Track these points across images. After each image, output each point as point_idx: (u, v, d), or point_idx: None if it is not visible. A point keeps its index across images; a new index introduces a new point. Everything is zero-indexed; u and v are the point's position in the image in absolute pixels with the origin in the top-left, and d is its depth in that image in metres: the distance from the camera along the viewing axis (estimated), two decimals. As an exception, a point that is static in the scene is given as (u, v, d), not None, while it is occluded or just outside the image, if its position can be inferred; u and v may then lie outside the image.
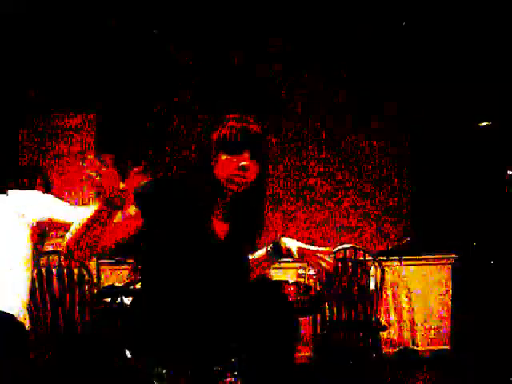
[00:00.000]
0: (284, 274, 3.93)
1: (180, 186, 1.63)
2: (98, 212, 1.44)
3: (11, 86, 4.33)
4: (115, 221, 1.50)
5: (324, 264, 1.75)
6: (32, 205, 2.24)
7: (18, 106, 4.43)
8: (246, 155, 1.58)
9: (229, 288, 1.67)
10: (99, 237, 1.49)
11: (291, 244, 1.79)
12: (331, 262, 1.76)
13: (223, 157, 1.59)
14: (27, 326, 2.15)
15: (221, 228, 1.68)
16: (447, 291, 4.61)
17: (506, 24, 4.28)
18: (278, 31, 4.64)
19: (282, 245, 1.79)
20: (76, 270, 3.73)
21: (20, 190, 2.34)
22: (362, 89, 4.86)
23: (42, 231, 2.31)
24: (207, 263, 1.63)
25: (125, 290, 3.15)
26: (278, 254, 1.81)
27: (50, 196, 2.34)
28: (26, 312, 2.16)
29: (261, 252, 1.84)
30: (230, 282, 1.67)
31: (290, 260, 3.91)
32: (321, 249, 1.77)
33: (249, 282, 1.82)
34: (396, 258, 4.52)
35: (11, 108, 4.31)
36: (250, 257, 1.83)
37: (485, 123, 5.00)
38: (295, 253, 1.76)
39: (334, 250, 4.17)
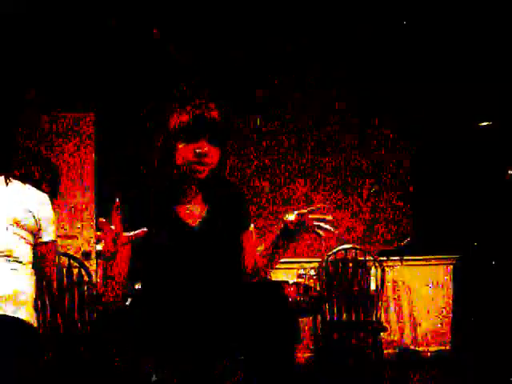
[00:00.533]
0: (286, 274, 3.91)
1: (147, 186, 1.68)
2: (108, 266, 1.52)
3: (9, 85, 4.32)
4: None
5: (321, 232, 1.67)
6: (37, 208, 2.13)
7: (16, 105, 4.42)
8: (203, 142, 1.60)
9: (214, 276, 1.66)
10: (116, 274, 1.56)
11: (292, 216, 1.71)
12: (331, 229, 1.67)
13: (181, 145, 1.62)
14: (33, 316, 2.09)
15: (195, 215, 1.69)
16: (448, 292, 4.61)
17: (505, 24, 4.27)
18: (279, 31, 4.64)
19: (286, 220, 1.70)
20: (75, 271, 3.73)
21: (25, 179, 2.22)
22: (362, 89, 4.86)
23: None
24: (183, 251, 1.64)
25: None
26: (287, 232, 1.71)
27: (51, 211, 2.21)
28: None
29: (270, 240, 1.78)
30: (214, 269, 1.66)
31: (291, 260, 3.92)
32: (320, 216, 1.69)
33: (243, 274, 1.79)
34: (397, 258, 4.51)
35: (9, 107, 4.30)
36: (260, 248, 1.80)
37: (485, 123, 4.99)
38: (294, 218, 1.67)
39: (334, 250, 4.20)
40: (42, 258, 2.11)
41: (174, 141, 1.62)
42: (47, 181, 2.56)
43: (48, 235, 2.11)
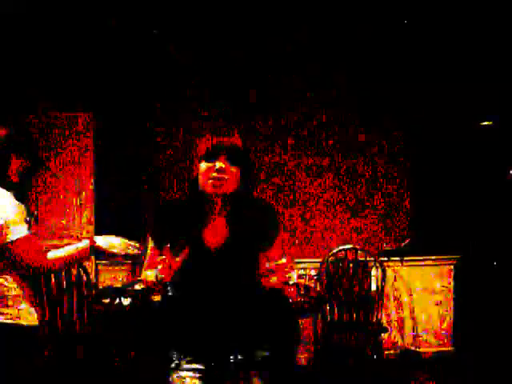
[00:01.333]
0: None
1: (175, 206, 1.87)
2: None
3: (8, 85, 4.31)
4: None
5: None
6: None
7: (15, 105, 4.39)
8: (222, 158, 1.77)
9: (228, 294, 1.80)
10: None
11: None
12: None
13: (202, 166, 1.79)
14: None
15: (218, 237, 1.82)
16: (449, 292, 4.60)
17: (507, 23, 4.27)
18: (279, 31, 4.63)
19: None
20: (74, 271, 3.72)
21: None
22: (362, 89, 4.84)
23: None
24: (203, 271, 1.79)
25: (123, 291, 3.13)
26: None
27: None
28: None
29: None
30: (229, 288, 1.80)
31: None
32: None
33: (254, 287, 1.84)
34: (397, 258, 4.50)
35: (7, 107, 4.29)
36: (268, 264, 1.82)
37: (486, 123, 4.98)
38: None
39: (335, 250, 4.19)
40: (16, 255, 2.07)
41: (198, 164, 1.80)
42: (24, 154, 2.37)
43: (14, 235, 2.06)
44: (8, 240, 2.05)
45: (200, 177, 1.79)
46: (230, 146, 1.79)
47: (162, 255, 1.72)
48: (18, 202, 2.13)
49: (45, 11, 4.09)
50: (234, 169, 1.79)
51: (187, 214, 1.83)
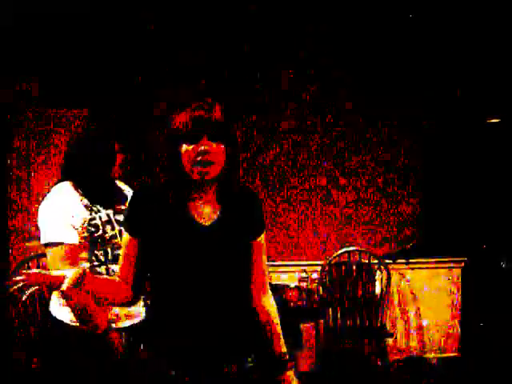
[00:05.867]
0: (287, 278, 3.94)
1: (155, 190, 1.68)
2: None
3: (2, 80, 4.25)
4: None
5: None
6: None
7: (10, 100, 4.35)
8: (205, 139, 1.59)
9: (222, 279, 1.64)
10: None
11: None
12: None
13: (183, 148, 1.60)
14: None
15: (207, 215, 1.67)
16: (456, 296, 4.54)
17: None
18: (279, 31, 4.59)
19: None
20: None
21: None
22: (371, 89, 4.81)
23: None
24: (193, 251, 1.63)
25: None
26: None
27: None
28: None
29: None
30: (223, 272, 1.65)
31: (293, 263, 3.81)
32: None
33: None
34: (403, 261, 4.46)
35: (2, 103, 4.24)
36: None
37: (494, 120, 4.94)
38: None
39: (338, 252, 4.15)
40: None
41: (176, 145, 1.62)
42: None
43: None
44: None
45: (183, 159, 1.60)
46: (213, 122, 1.60)
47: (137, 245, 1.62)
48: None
49: (40, 7, 4.03)
50: (219, 148, 1.60)
51: (168, 197, 1.65)
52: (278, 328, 1.77)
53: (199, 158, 1.58)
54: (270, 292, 1.80)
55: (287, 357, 1.75)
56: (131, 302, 1.70)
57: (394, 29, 4.59)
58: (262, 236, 1.76)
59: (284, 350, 1.74)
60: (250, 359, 1.67)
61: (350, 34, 4.66)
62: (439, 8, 4.30)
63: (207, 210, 1.66)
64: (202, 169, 1.58)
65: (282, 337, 1.76)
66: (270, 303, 1.78)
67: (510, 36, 4.37)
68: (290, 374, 1.73)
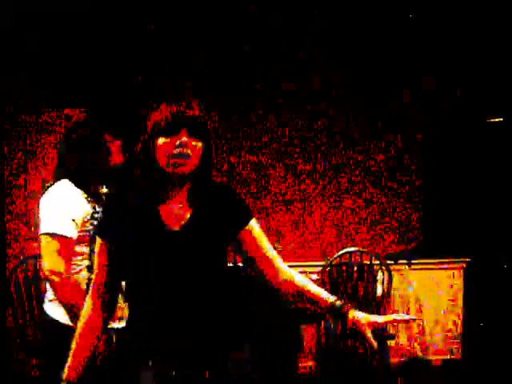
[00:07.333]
0: None
1: (129, 194, 1.66)
2: None
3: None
4: None
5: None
6: None
7: (3, 101, 4.34)
8: (183, 134, 1.59)
9: (193, 284, 1.63)
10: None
11: (382, 319, 1.69)
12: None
13: (161, 141, 1.59)
14: None
15: (178, 217, 1.65)
16: (458, 297, 4.52)
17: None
18: (280, 30, 4.61)
19: (371, 322, 1.66)
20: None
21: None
22: (371, 89, 4.82)
23: None
24: (162, 255, 1.61)
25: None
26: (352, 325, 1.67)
27: None
28: None
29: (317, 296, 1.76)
30: (194, 276, 1.63)
31: (292, 264, 3.81)
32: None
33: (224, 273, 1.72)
34: (404, 261, 4.44)
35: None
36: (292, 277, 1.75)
37: (494, 120, 4.93)
38: (382, 322, 1.67)
39: (339, 253, 4.12)
40: None
41: (153, 139, 1.61)
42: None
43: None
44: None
45: (158, 152, 1.59)
46: (192, 117, 1.60)
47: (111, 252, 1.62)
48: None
49: (38, 8, 4.04)
50: (197, 143, 1.60)
51: (139, 200, 1.64)
52: (315, 285, 1.76)
53: (177, 150, 1.57)
54: (287, 268, 1.77)
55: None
56: (109, 317, 1.70)
57: (394, 29, 4.61)
58: (252, 223, 1.71)
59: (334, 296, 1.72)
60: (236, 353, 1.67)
61: (350, 34, 4.69)
62: (439, 8, 4.31)
63: (178, 212, 1.64)
64: (179, 160, 1.57)
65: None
66: (289, 274, 1.75)
67: (510, 36, 4.37)
68: (355, 312, 1.67)
